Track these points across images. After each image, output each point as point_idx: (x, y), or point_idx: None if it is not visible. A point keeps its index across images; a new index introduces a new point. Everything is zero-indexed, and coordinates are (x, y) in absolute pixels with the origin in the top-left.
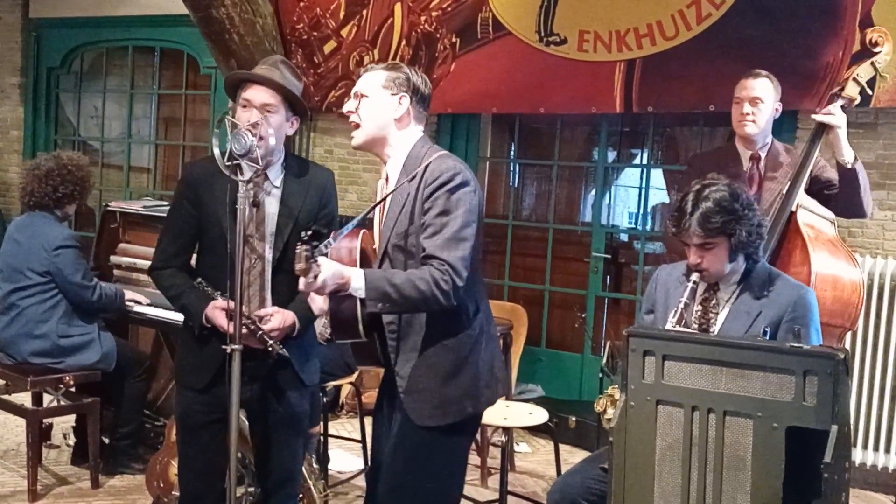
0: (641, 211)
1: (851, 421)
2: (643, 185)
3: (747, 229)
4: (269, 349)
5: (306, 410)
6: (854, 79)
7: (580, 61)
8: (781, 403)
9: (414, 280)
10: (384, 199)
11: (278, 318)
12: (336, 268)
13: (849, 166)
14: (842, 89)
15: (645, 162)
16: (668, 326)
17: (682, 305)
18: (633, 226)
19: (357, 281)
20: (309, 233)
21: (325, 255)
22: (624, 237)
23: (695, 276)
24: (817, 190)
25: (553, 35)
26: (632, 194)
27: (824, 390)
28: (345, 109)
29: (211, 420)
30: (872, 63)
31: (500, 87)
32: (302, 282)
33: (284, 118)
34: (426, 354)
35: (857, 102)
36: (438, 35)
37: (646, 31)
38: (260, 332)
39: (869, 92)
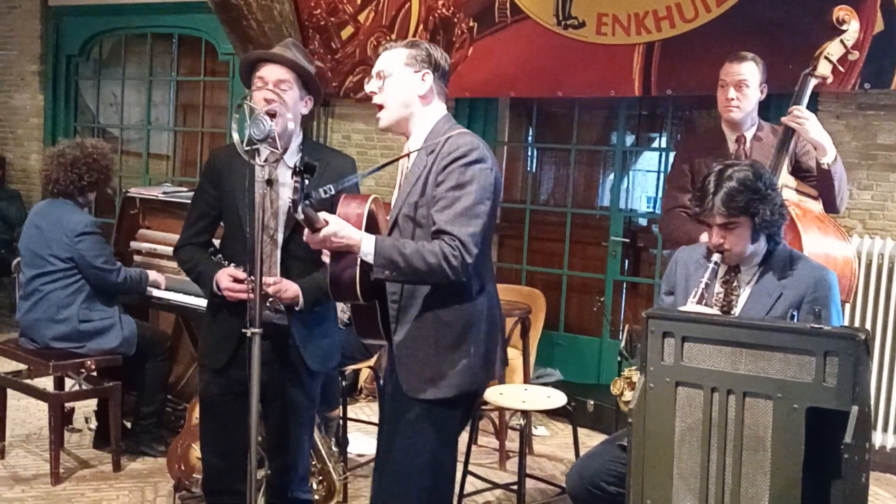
0: (660, 195)
1: (871, 403)
2: (662, 168)
3: (770, 209)
4: (268, 304)
5: (314, 396)
6: (826, 57)
7: (598, 44)
8: (801, 384)
9: (423, 252)
10: (391, 161)
11: (276, 286)
12: (344, 227)
13: (825, 167)
14: (814, 69)
15: (664, 145)
16: (689, 307)
17: (703, 286)
18: (651, 210)
19: (367, 245)
20: (301, 166)
21: (323, 197)
22: (642, 221)
23: (716, 257)
24: (801, 176)
25: (571, 18)
26: (650, 178)
27: (845, 371)
28: (367, 89)
29: (229, 398)
30: (841, 41)
31: (518, 71)
32: (306, 233)
33: (299, 96)
34: (424, 326)
35: (829, 81)
36: (456, 19)
37: (665, 14)
38: (262, 293)
39: (841, 69)
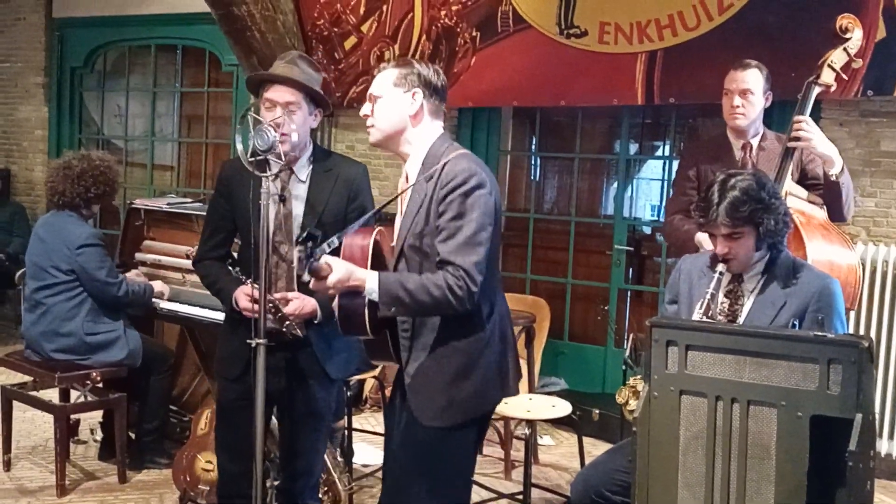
0: (664, 203)
1: (877, 411)
2: (665, 177)
3: (774, 218)
4: (284, 328)
5: (330, 405)
6: (829, 65)
7: (601, 53)
8: (806, 392)
9: (428, 285)
10: (395, 197)
11: (296, 303)
12: (348, 270)
13: (833, 178)
14: (817, 77)
15: (667, 154)
16: (696, 318)
17: (708, 296)
18: (655, 218)
19: (372, 283)
20: (303, 235)
21: (329, 253)
22: (646, 229)
23: (720, 267)
24: (807, 185)
25: (574, 27)
26: (654, 186)
27: (848, 378)
28: (361, 113)
29: (244, 404)
30: (845, 49)
31: (521, 81)
32: (312, 282)
33: (308, 113)
34: (436, 354)
35: (832, 89)
36: (459, 29)
37: (667, 22)
38: (279, 314)
39: (844, 77)
